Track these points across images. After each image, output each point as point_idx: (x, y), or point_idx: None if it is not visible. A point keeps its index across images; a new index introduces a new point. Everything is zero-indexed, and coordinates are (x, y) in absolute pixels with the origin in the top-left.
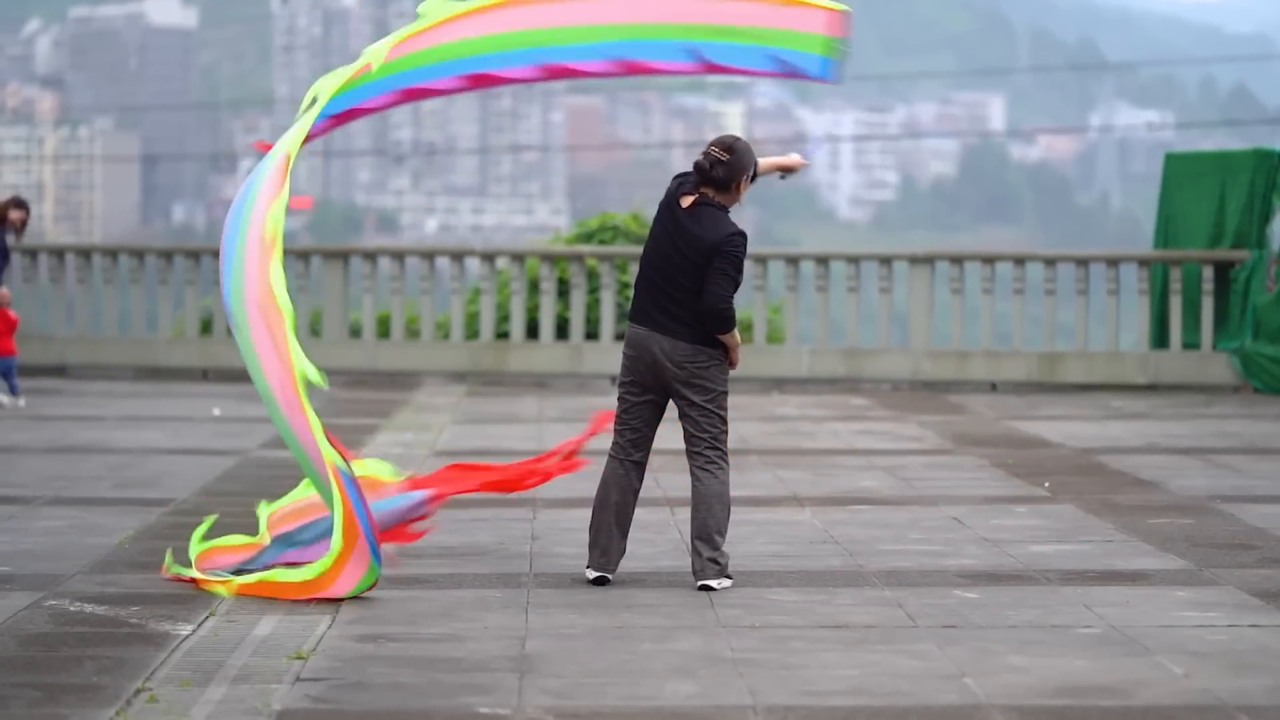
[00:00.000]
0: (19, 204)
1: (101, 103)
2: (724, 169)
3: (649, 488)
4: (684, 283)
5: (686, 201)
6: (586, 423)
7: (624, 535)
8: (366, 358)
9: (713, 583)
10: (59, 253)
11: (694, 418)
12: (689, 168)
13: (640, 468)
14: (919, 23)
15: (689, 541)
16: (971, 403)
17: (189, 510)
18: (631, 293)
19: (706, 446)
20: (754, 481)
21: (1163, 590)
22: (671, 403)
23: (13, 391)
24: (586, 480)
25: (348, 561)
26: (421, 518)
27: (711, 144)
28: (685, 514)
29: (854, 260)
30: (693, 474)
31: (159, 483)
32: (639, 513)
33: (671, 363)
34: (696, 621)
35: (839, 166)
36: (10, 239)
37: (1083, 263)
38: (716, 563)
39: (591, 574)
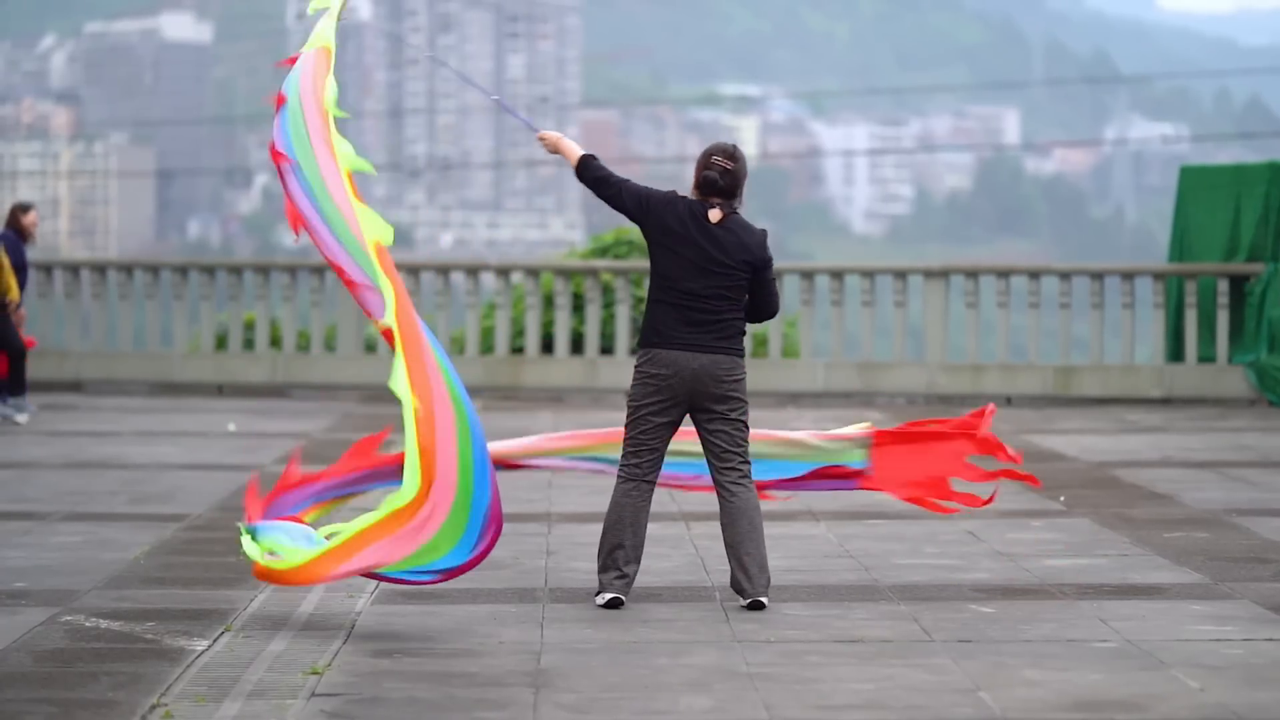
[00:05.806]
0: (25, 208)
1: (116, 118)
2: (730, 178)
3: (664, 502)
4: (723, 294)
5: (716, 216)
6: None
7: (639, 558)
8: (382, 372)
9: (764, 598)
10: (74, 268)
11: (729, 432)
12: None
13: (653, 489)
14: (932, 36)
15: (732, 560)
16: None
17: (203, 526)
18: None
19: (740, 460)
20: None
21: (1178, 604)
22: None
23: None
24: (601, 495)
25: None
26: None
27: (713, 155)
28: (701, 529)
29: (869, 274)
30: (727, 489)
31: (174, 498)
32: (654, 527)
33: (711, 379)
34: (712, 636)
35: (854, 180)
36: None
37: (1098, 276)
38: (768, 578)
39: (606, 597)
